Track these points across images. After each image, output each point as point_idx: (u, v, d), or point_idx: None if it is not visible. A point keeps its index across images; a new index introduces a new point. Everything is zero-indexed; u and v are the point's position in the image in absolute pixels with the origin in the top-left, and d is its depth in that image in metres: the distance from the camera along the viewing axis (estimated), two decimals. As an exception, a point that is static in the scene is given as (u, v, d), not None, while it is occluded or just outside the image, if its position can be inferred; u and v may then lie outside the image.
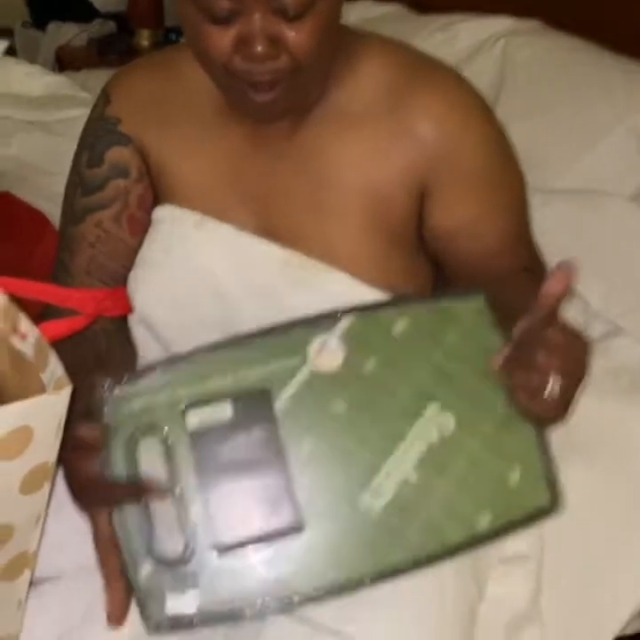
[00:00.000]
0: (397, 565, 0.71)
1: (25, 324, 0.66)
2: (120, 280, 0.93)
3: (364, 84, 0.87)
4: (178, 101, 0.91)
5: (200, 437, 0.72)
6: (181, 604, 0.69)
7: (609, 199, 1.33)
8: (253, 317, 0.88)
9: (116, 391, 0.70)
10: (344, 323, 0.75)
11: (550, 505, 0.72)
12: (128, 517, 0.70)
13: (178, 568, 0.70)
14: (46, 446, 0.61)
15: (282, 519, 0.71)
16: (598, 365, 1.11)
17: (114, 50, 2.59)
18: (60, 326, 0.71)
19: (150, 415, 0.71)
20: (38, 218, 1.39)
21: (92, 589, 0.76)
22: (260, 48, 0.75)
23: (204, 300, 0.90)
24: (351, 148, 0.87)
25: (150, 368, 0.74)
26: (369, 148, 0.87)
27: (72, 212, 0.93)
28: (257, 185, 0.90)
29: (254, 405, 0.72)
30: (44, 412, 0.59)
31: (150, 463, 0.71)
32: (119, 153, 0.92)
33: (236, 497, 0.71)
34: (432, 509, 0.72)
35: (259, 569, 0.71)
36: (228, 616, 0.70)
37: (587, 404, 0.92)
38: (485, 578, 0.86)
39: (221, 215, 0.90)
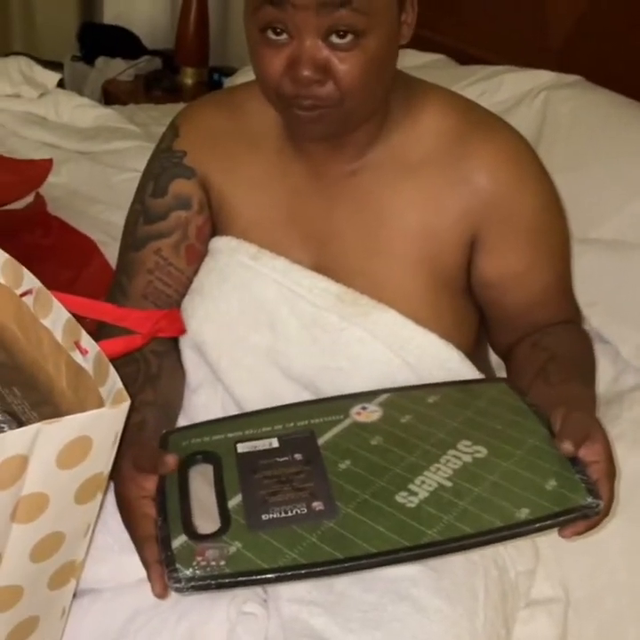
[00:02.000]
0: (431, 541, 0.70)
1: (86, 340, 0.69)
2: (173, 305, 0.96)
3: (422, 132, 0.90)
4: (242, 138, 0.95)
5: (247, 456, 0.77)
6: (206, 567, 0.69)
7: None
8: (303, 350, 0.91)
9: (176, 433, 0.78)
10: (382, 396, 0.85)
11: (593, 504, 0.71)
12: (169, 502, 0.74)
13: (209, 540, 0.71)
14: (103, 457, 0.63)
15: (316, 506, 0.73)
16: (628, 416, 1.13)
17: (159, 86, 2.66)
18: (118, 344, 0.73)
19: (204, 446, 0.79)
20: (87, 243, 1.44)
21: (131, 604, 0.78)
22: (305, 72, 0.78)
23: (256, 330, 0.92)
24: (408, 194, 0.90)
25: (208, 421, 0.83)
26: (425, 195, 0.90)
27: (133, 238, 0.97)
28: (314, 224, 0.93)
29: (299, 441, 0.80)
30: (103, 425, 0.61)
31: (199, 484, 0.75)
32: (183, 185, 0.95)
33: (274, 492, 0.75)
34: (468, 505, 0.73)
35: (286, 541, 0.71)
36: (252, 580, 0.69)
37: (617, 454, 0.93)
38: (513, 620, 0.87)
39: (277, 250, 0.93)
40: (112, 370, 0.65)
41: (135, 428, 0.83)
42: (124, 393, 0.63)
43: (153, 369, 0.91)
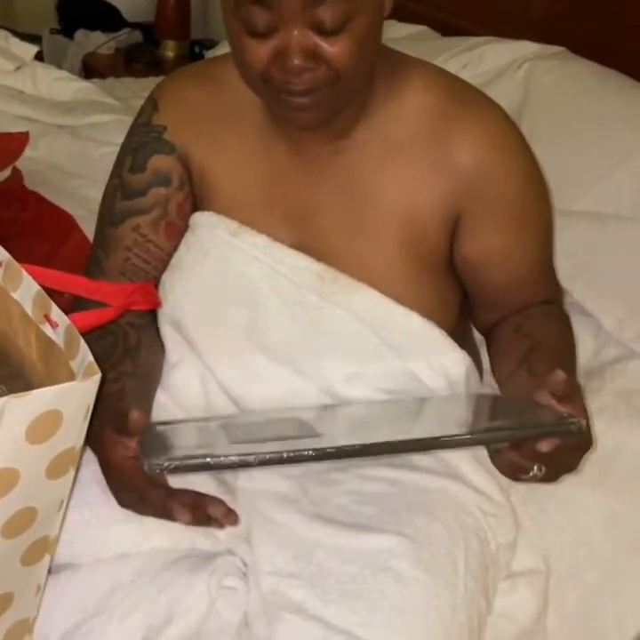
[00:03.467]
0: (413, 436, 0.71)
1: (56, 312, 0.67)
2: (151, 282, 0.95)
3: (406, 110, 0.88)
4: (223, 114, 0.93)
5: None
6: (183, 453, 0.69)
7: (627, 222, 1.34)
8: (282, 328, 0.90)
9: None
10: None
11: (574, 419, 0.72)
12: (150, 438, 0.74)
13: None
14: (74, 431, 0.62)
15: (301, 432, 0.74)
16: (610, 388, 1.13)
17: (140, 59, 2.62)
18: (90, 317, 0.72)
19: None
20: (65, 218, 1.42)
21: (109, 579, 0.77)
22: (296, 61, 0.77)
23: (236, 306, 0.91)
24: (391, 173, 0.89)
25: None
26: (409, 175, 0.88)
27: (111, 213, 0.95)
28: (296, 202, 0.92)
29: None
30: (74, 398, 0.60)
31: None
32: (162, 161, 0.93)
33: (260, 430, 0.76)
34: None
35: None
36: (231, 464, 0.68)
37: (598, 427, 0.93)
38: (494, 591, 0.87)
39: (259, 227, 0.92)
40: (83, 343, 0.64)
41: (114, 398, 0.82)
42: (95, 366, 0.62)
43: (131, 341, 0.90)
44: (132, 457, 0.75)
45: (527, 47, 1.61)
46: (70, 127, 1.82)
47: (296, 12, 0.75)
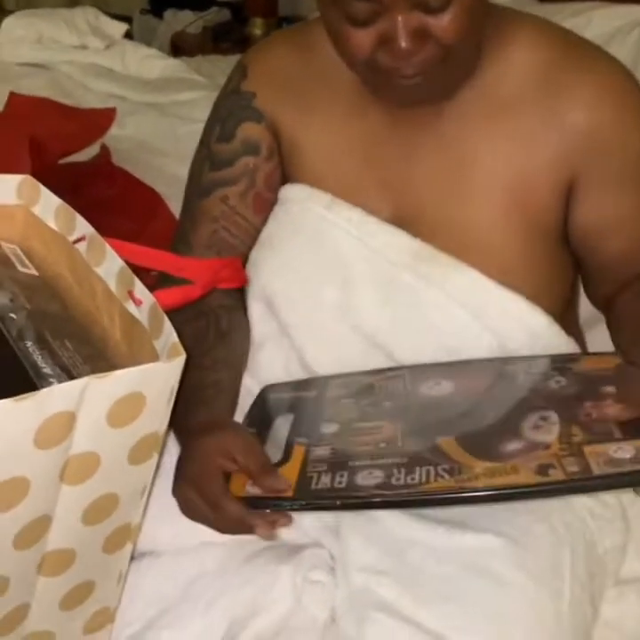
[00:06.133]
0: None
1: (140, 289, 0.64)
2: (238, 256, 0.91)
3: (514, 67, 0.82)
4: (315, 79, 0.88)
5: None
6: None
7: None
8: (376, 309, 0.84)
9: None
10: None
11: None
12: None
13: None
14: (158, 415, 0.59)
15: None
16: None
17: (227, 38, 2.61)
18: (175, 294, 0.68)
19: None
20: (152, 196, 1.40)
21: (191, 567, 0.75)
22: (404, 44, 0.72)
23: (328, 284, 0.86)
24: (498, 134, 0.82)
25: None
26: (517, 136, 0.82)
27: (198, 185, 0.92)
28: (394, 170, 0.86)
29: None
30: (157, 380, 0.57)
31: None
32: (251, 129, 0.89)
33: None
34: None
35: None
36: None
37: None
38: (600, 599, 0.80)
39: (354, 199, 0.86)
40: (167, 322, 0.60)
41: (212, 391, 0.79)
42: (180, 346, 0.58)
43: (223, 324, 0.86)
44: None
45: (637, 10, 1.51)
46: (158, 105, 1.81)
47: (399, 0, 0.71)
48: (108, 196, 1.40)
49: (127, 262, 0.67)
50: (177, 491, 0.73)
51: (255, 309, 0.90)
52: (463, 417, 0.73)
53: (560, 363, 0.78)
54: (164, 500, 0.74)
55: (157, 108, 1.79)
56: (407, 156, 0.85)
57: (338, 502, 0.68)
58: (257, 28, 2.63)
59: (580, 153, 0.81)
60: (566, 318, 0.89)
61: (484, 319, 0.83)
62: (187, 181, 0.95)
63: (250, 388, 0.86)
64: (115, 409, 0.55)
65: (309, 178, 0.89)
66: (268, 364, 0.88)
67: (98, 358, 0.66)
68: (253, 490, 0.70)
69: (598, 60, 0.83)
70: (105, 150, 1.55)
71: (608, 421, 0.67)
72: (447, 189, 0.84)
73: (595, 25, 1.51)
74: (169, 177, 1.48)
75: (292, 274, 0.88)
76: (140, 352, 0.63)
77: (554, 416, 0.69)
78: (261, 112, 0.90)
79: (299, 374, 0.87)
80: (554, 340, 0.84)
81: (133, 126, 1.71)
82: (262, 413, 0.81)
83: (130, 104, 1.79)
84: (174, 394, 0.60)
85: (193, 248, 0.91)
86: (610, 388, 0.70)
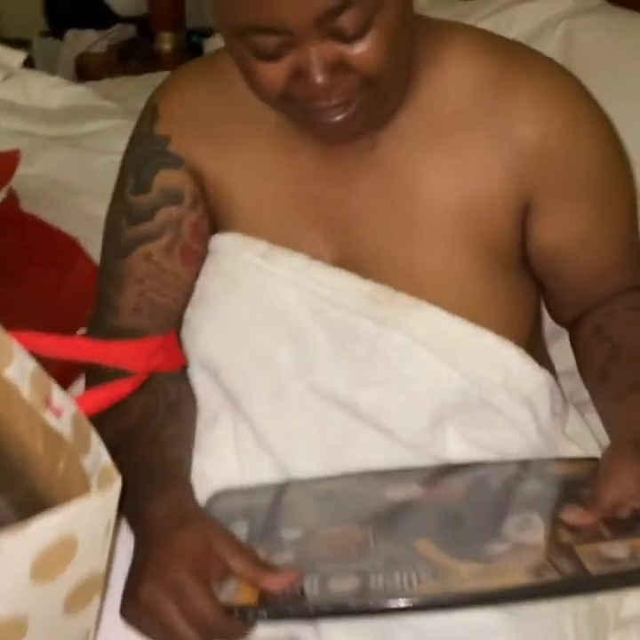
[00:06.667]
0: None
1: (58, 395, 0.54)
2: (172, 317, 0.82)
3: (451, 86, 0.75)
4: (233, 115, 0.80)
5: None
6: None
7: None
8: (334, 364, 0.76)
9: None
10: None
11: None
12: None
13: None
14: (93, 555, 0.49)
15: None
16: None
17: (135, 55, 2.50)
18: (101, 397, 0.58)
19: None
20: (68, 242, 1.29)
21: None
22: (320, 79, 0.66)
23: (275, 342, 0.78)
24: (442, 158, 0.75)
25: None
26: (462, 159, 0.75)
27: (117, 243, 0.82)
28: (332, 208, 0.78)
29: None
30: (91, 518, 0.47)
31: None
32: (170, 176, 0.81)
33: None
34: None
35: None
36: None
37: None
38: None
39: (292, 243, 0.79)
40: (94, 435, 0.51)
41: (175, 467, 0.71)
42: (113, 470, 0.48)
43: (172, 396, 0.77)
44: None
45: (562, 3, 1.45)
46: (68, 137, 1.69)
47: (309, 30, 0.65)
48: (18, 246, 1.28)
49: (41, 357, 0.56)
50: (139, 605, 0.61)
51: (198, 380, 0.80)
52: (439, 520, 0.67)
53: (535, 467, 0.74)
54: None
55: (67, 141, 1.67)
56: (345, 193, 0.78)
57: (311, 610, 0.60)
58: (165, 42, 2.52)
59: (531, 170, 0.75)
60: (536, 349, 0.83)
61: (454, 360, 0.76)
62: (103, 239, 0.86)
63: (202, 472, 0.76)
64: (40, 562, 0.45)
65: (240, 224, 0.80)
66: (217, 441, 0.78)
67: (15, 479, 0.55)
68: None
69: (542, 68, 0.77)
70: (12, 196, 1.42)
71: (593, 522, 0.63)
72: (393, 225, 0.77)
73: (519, 22, 1.45)
74: (88, 217, 1.36)
75: (233, 335, 0.79)
76: (66, 473, 0.52)
77: (537, 518, 0.64)
78: (179, 156, 0.81)
79: (253, 450, 0.77)
80: (527, 374, 0.78)
81: (43, 163, 1.58)
82: None
83: (37, 139, 1.66)
84: (112, 525, 0.50)
85: (120, 314, 0.81)
86: (587, 491, 0.66)
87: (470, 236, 0.76)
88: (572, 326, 0.85)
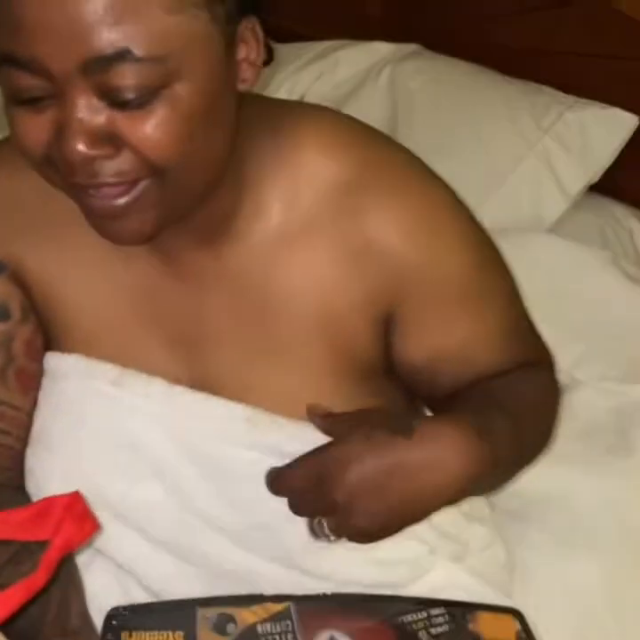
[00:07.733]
0: None
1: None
2: (16, 459, 0.69)
3: (304, 187, 0.65)
4: (56, 209, 0.65)
5: None
6: None
7: (530, 235, 1.23)
8: (209, 504, 0.68)
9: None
10: None
11: None
12: None
13: None
14: None
15: None
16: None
17: None
18: (12, 596, 0.44)
19: None
20: None
21: None
22: (78, 146, 0.52)
23: (135, 483, 0.68)
24: (295, 270, 0.66)
25: None
26: (317, 270, 0.66)
27: None
28: (182, 327, 0.68)
29: None
30: None
31: None
32: None
33: None
34: None
35: None
36: None
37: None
38: None
39: (142, 366, 0.68)
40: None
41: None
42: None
43: None
44: None
45: (381, 48, 1.45)
46: None
47: (73, 78, 0.51)
48: None
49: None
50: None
51: None
52: None
53: (458, 611, 0.69)
54: None
55: None
56: (195, 310, 0.68)
57: None
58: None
59: (394, 283, 0.66)
60: None
61: None
62: None
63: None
64: None
65: (79, 343, 0.69)
66: (102, 589, 0.69)
67: None
68: None
69: (401, 167, 0.67)
70: None
71: None
72: (249, 345, 0.68)
73: (342, 67, 1.43)
74: None
75: (80, 477, 0.66)
76: None
77: None
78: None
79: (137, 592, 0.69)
80: None
81: None
82: None
83: None
84: None
85: None
86: None
87: (333, 353, 0.68)
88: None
